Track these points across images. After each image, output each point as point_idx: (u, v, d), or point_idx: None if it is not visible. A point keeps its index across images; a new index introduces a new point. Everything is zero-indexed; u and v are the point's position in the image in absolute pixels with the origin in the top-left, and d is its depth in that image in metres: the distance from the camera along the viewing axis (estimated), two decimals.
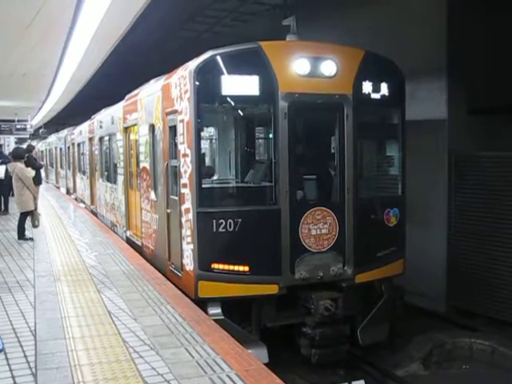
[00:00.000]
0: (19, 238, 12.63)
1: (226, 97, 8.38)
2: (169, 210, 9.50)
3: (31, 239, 12.58)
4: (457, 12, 11.34)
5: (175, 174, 9.09)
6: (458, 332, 10.68)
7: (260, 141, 12.28)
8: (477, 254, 11.44)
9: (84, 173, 21.58)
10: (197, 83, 8.15)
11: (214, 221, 8.10)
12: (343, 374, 9.12)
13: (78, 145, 23.21)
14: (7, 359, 5.51)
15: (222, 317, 7.95)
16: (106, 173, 16.77)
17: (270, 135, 9.07)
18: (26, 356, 5.59)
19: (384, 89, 8.98)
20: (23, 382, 4.96)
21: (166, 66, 10.89)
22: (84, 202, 21.91)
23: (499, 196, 10.96)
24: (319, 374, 9.03)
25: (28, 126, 30.80)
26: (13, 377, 5.08)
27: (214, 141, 12.67)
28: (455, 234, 11.97)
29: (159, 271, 9.51)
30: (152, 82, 11.49)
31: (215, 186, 10.36)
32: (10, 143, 34.79)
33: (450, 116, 11.90)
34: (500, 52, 11.18)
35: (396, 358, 9.74)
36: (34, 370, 5.22)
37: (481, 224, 11.34)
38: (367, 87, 8.80)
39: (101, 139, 17.21)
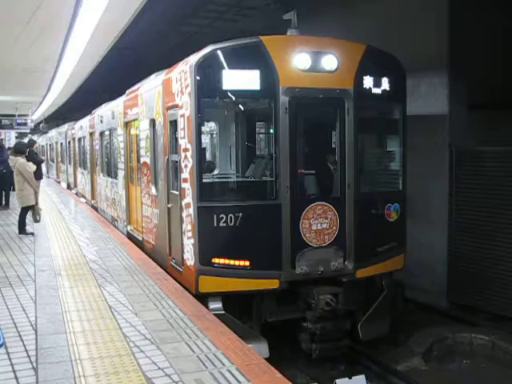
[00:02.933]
0: (20, 232, 12.64)
1: (226, 91, 8.35)
2: (169, 205, 9.49)
3: (32, 234, 12.60)
4: (458, 8, 11.30)
5: (176, 168, 9.08)
6: (459, 327, 10.66)
7: (261, 136, 12.27)
8: (478, 248, 11.42)
9: (85, 167, 21.58)
10: (198, 78, 8.13)
11: (215, 215, 8.09)
12: (344, 368, 9.13)
13: (79, 139, 23.19)
14: (8, 353, 5.51)
15: (223, 311, 7.96)
16: (106, 167, 16.77)
17: (271, 130, 9.06)
18: (26, 350, 5.59)
19: (385, 83, 8.94)
20: (24, 377, 4.95)
21: (167, 61, 10.88)
22: (85, 197, 21.92)
23: (500, 191, 10.93)
24: (320, 369, 9.03)
25: (29, 121, 30.85)
26: (14, 371, 5.08)
27: (214, 135, 12.67)
28: (456, 229, 11.94)
29: (160, 266, 9.51)
30: (153, 76, 11.47)
31: (216, 180, 10.38)
32: (10, 138, 34.76)
33: (451, 111, 11.86)
34: (501, 47, 11.16)
35: (397, 353, 9.74)
36: (34, 364, 5.22)
37: (481, 219, 11.32)
38: (368, 82, 8.77)
39: (101, 134, 17.20)
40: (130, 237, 12.78)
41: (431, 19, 11.80)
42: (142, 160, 11.65)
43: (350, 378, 8.15)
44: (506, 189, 10.85)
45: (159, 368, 5.12)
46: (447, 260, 12.07)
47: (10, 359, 5.37)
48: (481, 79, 11.31)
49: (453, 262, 11.96)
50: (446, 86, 11.85)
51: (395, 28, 12.09)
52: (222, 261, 8.14)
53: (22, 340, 5.89)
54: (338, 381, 8.09)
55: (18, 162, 12.67)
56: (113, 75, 21.51)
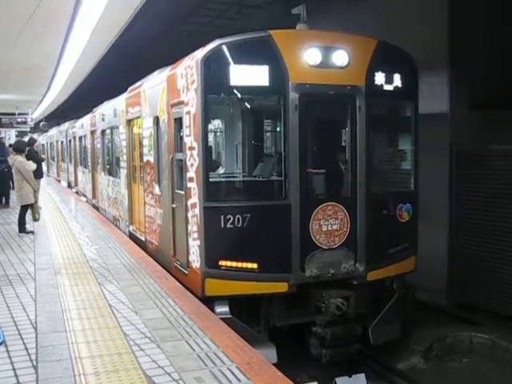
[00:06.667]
0: (20, 231, 12.60)
1: (234, 87, 8.07)
2: (174, 205, 9.25)
3: (32, 232, 12.56)
4: (458, 7, 11.26)
5: (181, 167, 8.84)
6: (459, 326, 10.61)
7: (269, 133, 12.02)
8: (478, 247, 11.32)
9: (85, 166, 21.44)
10: (204, 73, 7.88)
11: (222, 216, 7.83)
12: (344, 366, 8.89)
13: (80, 138, 23.10)
14: (8, 351, 5.50)
15: (230, 315, 7.70)
16: (108, 166, 16.60)
17: (280, 128, 8.82)
18: (26, 348, 5.57)
19: (397, 80, 8.71)
20: (24, 375, 4.94)
21: (167, 59, 10.71)
22: (85, 196, 21.78)
23: (501, 190, 10.84)
24: (319, 367, 8.74)
25: (29, 120, 30.75)
26: (14, 369, 5.07)
27: (221, 133, 12.43)
28: (456, 228, 11.86)
29: (163, 267, 9.31)
30: (156, 73, 11.26)
31: (223, 180, 10.12)
32: (10, 136, 34.74)
33: (452, 110, 11.82)
34: (501, 47, 11.07)
35: (397, 352, 9.61)
36: (34, 362, 5.21)
37: (482, 218, 11.22)
38: (380, 78, 8.54)
39: (103, 132, 17.03)
40: (133, 237, 12.58)
41: (431, 18, 11.74)
42: (146, 158, 11.42)
43: (350, 376, 8.07)
44: (506, 187, 10.75)
45: (159, 366, 5.10)
46: (448, 259, 11.97)
47: (10, 357, 5.35)
48: (481, 78, 11.25)
49: (453, 260, 11.87)
50: (447, 85, 11.81)
51: (396, 26, 11.97)
52: (229, 263, 7.88)
53: (22, 338, 5.89)
54: (338, 379, 8.01)
55: (17, 161, 12.67)
56: (113, 73, 21.41)
